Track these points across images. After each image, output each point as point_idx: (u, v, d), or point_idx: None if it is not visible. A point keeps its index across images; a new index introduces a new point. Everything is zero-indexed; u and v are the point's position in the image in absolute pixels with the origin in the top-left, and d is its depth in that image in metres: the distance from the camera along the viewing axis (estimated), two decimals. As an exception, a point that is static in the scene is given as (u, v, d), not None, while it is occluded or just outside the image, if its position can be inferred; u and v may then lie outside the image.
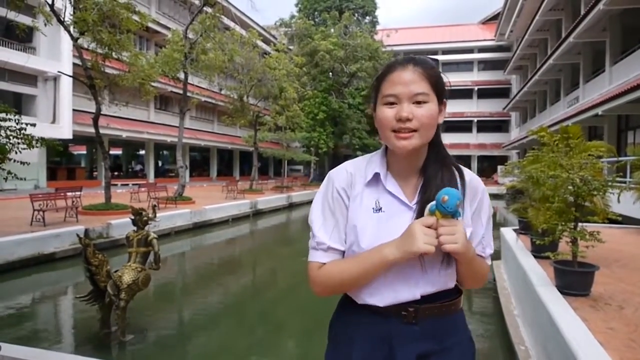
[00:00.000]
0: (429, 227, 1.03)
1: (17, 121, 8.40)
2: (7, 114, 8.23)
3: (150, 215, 5.40)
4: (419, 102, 1.08)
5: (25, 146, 8.55)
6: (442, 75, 1.14)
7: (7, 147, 8.14)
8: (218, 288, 8.13)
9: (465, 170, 1.21)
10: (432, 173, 1.15)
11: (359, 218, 1.14)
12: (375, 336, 1.15)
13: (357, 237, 1.13)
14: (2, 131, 8.14)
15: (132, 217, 5.29)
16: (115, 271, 4.93)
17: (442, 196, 1.01)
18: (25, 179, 8.61)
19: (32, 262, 8.38)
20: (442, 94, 1.13)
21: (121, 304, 4.78)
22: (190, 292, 7.90)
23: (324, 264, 1.16)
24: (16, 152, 8.42)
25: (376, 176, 1.16)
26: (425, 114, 1.07)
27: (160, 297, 7.14)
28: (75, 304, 6.58)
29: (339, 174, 1.20)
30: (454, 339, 1.18)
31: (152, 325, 5.57)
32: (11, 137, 8.28)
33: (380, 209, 1.13)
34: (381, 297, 1.14)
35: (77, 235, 5.16)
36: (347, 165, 1.22)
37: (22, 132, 8.46)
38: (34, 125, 8.86)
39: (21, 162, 8.46)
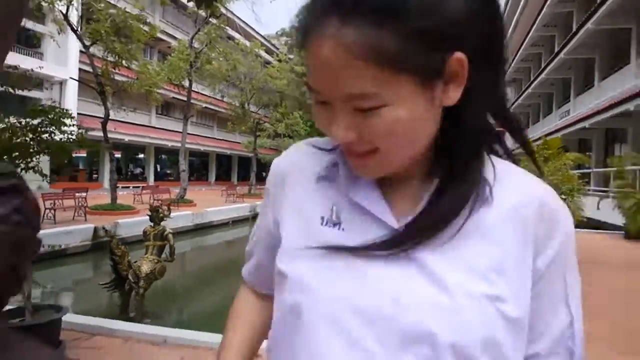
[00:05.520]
0: None
1: (75, 125, 9.52)
2: (65, 119, 9.14)
3: (165, 213, 5.96)
4: (363, 110, 0.49)
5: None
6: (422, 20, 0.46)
7: (69, 147, 9.11)
8: (221, 284, 8.61)
9: (532, 181, 0.60)
10: (447, 184, 0.55)
11: None
12: None
13: None
14: (65, 135, 9.02)
15: (150, 214, 5.84)
16: (135, 262, 5.46)
17: None
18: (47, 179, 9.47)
19: (46, 257, 8.86)
20: (430, 63, 0.48)
21: (140, 291, 5.32)
22: (197, 288, 8.41)
23: None
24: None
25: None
26: (381, 128, 0.49)
27: (169, 291, 7.64)
28: (93, 293, 7.12)
29: None
30: None
31: (167, 313, 6.09)
32: (70, 140, 9.13)
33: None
34: None
35: (103, 228, 5.72)
36: None
37: (78, 134, 9.57)
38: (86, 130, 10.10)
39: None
